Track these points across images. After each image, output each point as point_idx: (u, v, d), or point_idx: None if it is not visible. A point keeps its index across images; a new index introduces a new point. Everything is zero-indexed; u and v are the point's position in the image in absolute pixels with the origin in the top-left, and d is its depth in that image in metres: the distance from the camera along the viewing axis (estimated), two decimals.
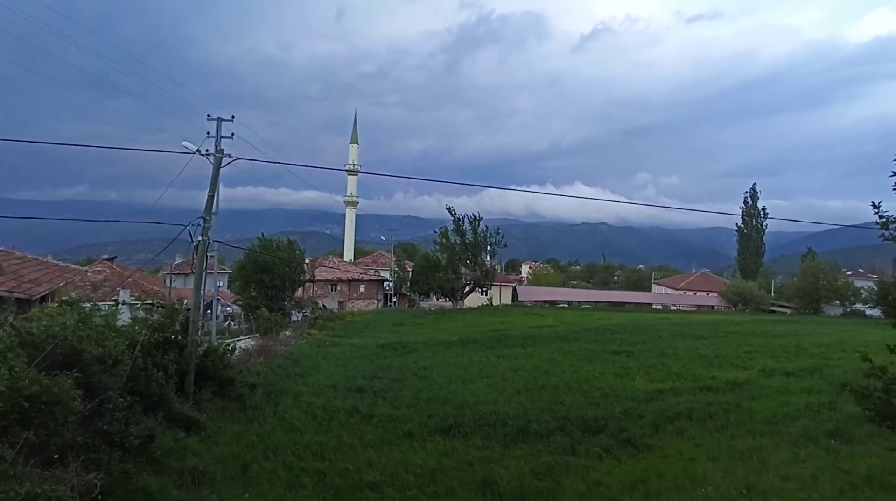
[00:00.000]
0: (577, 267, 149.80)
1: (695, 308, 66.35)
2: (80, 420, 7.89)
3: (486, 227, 60.13)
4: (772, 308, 61.30)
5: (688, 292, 76.95)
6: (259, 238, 43.55)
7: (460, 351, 24.19)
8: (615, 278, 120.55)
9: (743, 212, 73.70)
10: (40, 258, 15.74)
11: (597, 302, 71.54)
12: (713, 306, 66.68)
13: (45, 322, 8.56)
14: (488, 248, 60.26)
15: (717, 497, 8.29)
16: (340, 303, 59.23)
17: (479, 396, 15.41)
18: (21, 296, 11.26)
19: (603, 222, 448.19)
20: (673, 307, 67.21)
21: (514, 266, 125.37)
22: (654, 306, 68.68)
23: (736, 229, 75.37)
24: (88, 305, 9.86)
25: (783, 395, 15.10)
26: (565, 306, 66.29)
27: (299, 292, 45.30)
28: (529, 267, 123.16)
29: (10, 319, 8.51)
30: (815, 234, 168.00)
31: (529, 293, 74.10)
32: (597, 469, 9.85)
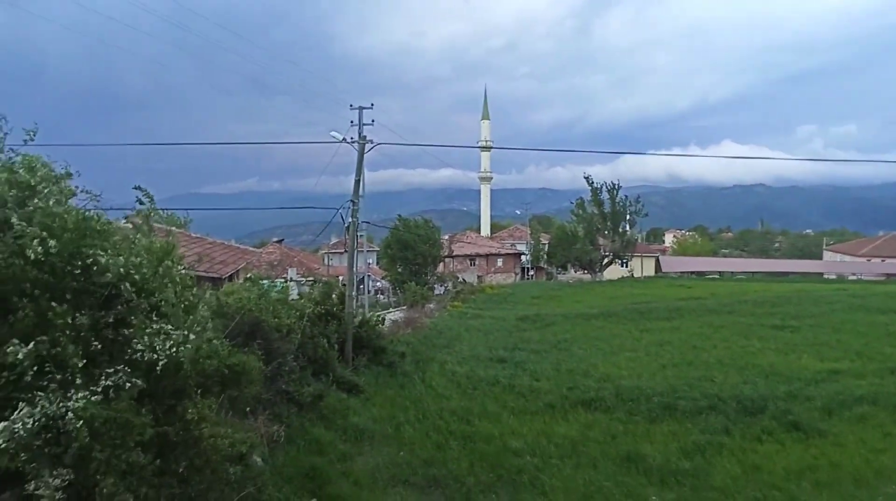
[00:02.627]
0: (729, 234, 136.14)
1: (882, 277, 56.78)
2: (263, 381, 9.29)
3: (626, 195, 57.14)
4: None
5: (872, 260, 65.98)
6: (398, 218, 46.15)
7: (601, 324, 23.64)
8: (776, 244, 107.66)
9: None
10: (225, 243, 18.50)
11: (753, 272, 64.58)
12: None
13: (233, 297, 10.12)
14: (628, 217, 57.24)
15: None
16: (479, 277, 60.67)
17: (622, 370, 15.04)
18: (214, 275, 13.47)
19: (759, 184, 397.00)
20: (852, 277, 58.19)
21: (656, 235, 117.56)
22: (825, 276, 60.19)
23: None
24: (266, 282, 11.42)
25: None
26: (716, 276, 60.94)
27: (440, 267, 47.33)
28: (673, 236, 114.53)
29: (208, 295, 10.22)
30: None
31: (674, 264, 69.24)
32: (755, 452, 9.20)
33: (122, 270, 4.53)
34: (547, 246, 65.45)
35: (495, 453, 9.16)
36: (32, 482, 3.85)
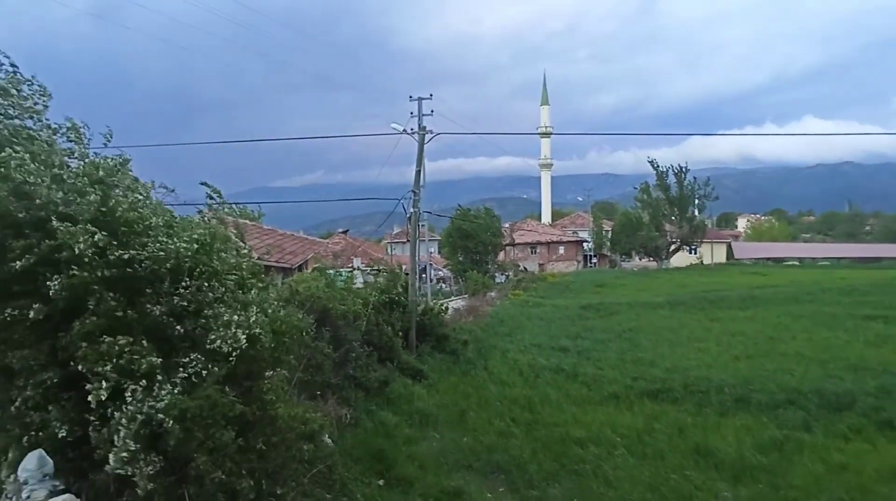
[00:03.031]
0: (811, 218, 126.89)
1: None
2: (332, 366, 9.70)
3: (694, 178, 54.59)
4: None
5: None
6: (458, 208, 46.45)
7: (667, 313, 22.85)
8: (867, 228, 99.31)
9: None
10: (294, 234, 19.35)
11: (839, 258, 60.07)
12: None
13: (303, 286, 10.57)
14: (696, 201, 54.74)
15: None
16: (540, 265, 60.04)
17: (690, 360, 14.50)
18: (284, 265, 14.15)
19: (847, 161, 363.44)
20: None
21: (727, 220, 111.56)
22: None
23: None
24: (332, 271, 11.86)
25: None
26: (795, 263, 57.21)
27: (501, 255, 47.31)
28: (747, 220, 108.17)
29: (280, 284, 10.75)
30: None
31: (748, 250, 65.69)
32: (841, 451, 8.61)
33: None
34: (610, 233, 63.79)
35: (558, 441, 9.12)
36: (128, 467, 4.25)
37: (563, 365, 14.35)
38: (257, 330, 5.09)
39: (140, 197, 5.22)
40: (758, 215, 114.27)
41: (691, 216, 55.11)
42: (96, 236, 4.39)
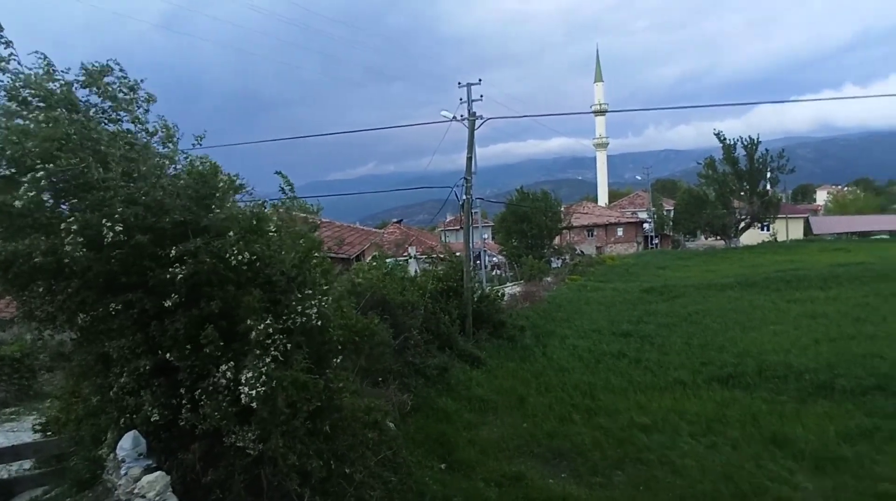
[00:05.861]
0: None
1: None
2: (392, 353, 9.90)
3: (766, 150, 51.25)
4: None
5: None
6: (518, 191, 46.00)
7: (737, 295, 21.77)
8: None
9: None
10: (352, 225, 19.84)
11: None
12: None
13: (362, 276, 10.81)
14: (768, 175, 51.39)
15: None
16: (598, 248, 58.65)
17: (765, 344, 13.77)
18: (343, 256, 14.56)
19: None
20: None
21: (804, 193, 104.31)
22: None
23: None
24: (390, 261, 12.05)
25: None
26: (885, 237, 52.81)
27: (557, 239, 46.56)
28: (828, 193, 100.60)
29: (344, 277, 11.06)
30: None
31: (828, 225, 61.27)
32: None
33: (269, 260, 5.15)
34: (672, 212, 61.26)
35: (621, 428, 8.94)
36: (232, 435, 4.70)
37: (625, 350, 14.03)
38: (324, 305, 5.44)
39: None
40: (840, 187, 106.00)
41: (763, 191, 51.86)
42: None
